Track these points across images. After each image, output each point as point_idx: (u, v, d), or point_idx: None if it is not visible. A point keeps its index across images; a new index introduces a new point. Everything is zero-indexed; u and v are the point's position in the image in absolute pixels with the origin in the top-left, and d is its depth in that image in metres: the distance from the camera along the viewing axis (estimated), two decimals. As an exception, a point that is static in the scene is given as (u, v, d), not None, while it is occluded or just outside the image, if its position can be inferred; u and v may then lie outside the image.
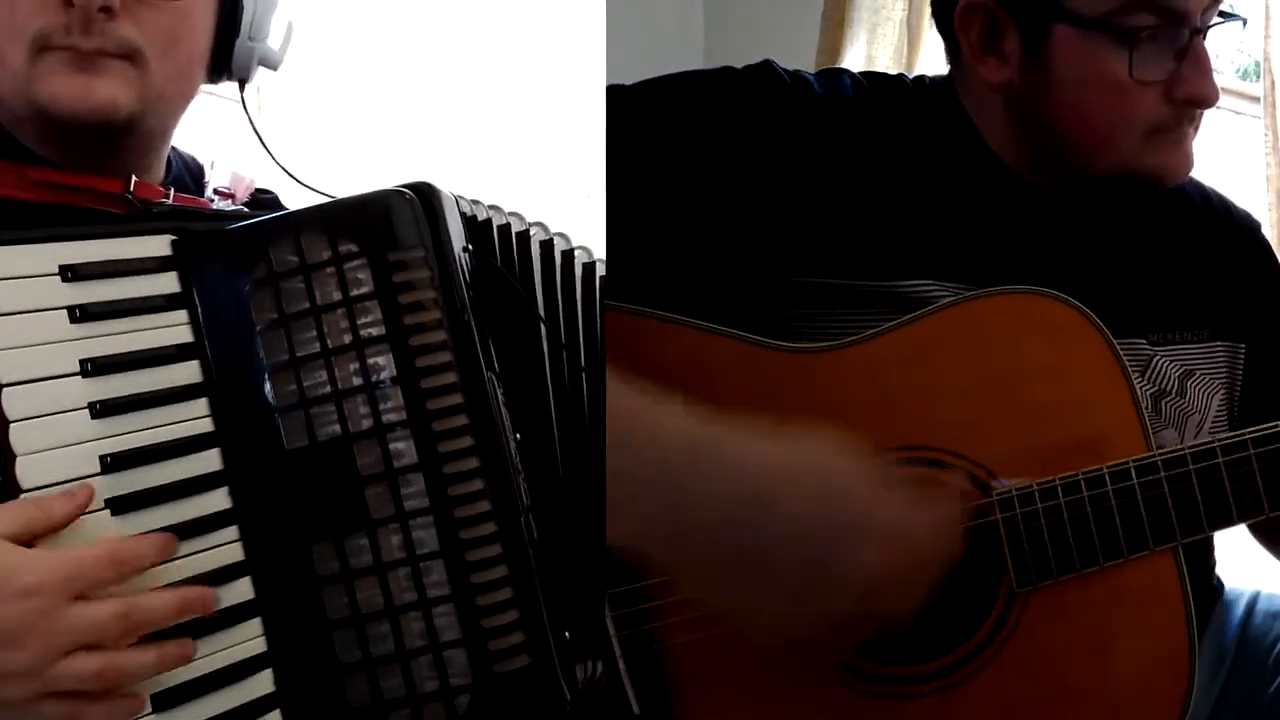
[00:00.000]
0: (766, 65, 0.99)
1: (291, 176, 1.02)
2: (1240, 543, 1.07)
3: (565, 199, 1.72)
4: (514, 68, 2.12)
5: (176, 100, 0.97)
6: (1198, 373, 1.00)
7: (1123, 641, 0.89)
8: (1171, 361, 0.99)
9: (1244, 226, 1.08)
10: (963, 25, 0.97)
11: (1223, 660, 1.06)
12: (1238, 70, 2.52)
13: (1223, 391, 1.01)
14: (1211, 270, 1.04)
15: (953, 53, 1.01)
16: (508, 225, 0.96)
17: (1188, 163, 0.97)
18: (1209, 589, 1.09)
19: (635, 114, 0.95)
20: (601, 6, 1.81)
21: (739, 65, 1.00)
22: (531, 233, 0.98)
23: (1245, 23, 0.96)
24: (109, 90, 0.89)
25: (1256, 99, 2.26)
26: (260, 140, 1.02)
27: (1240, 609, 1.10)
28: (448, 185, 0.90)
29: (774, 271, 0.94)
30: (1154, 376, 0.98)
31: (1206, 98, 0.93)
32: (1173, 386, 0.99)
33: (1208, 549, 1.07)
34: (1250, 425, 1.00)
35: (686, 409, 0.83)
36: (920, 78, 1.05)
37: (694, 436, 0.83)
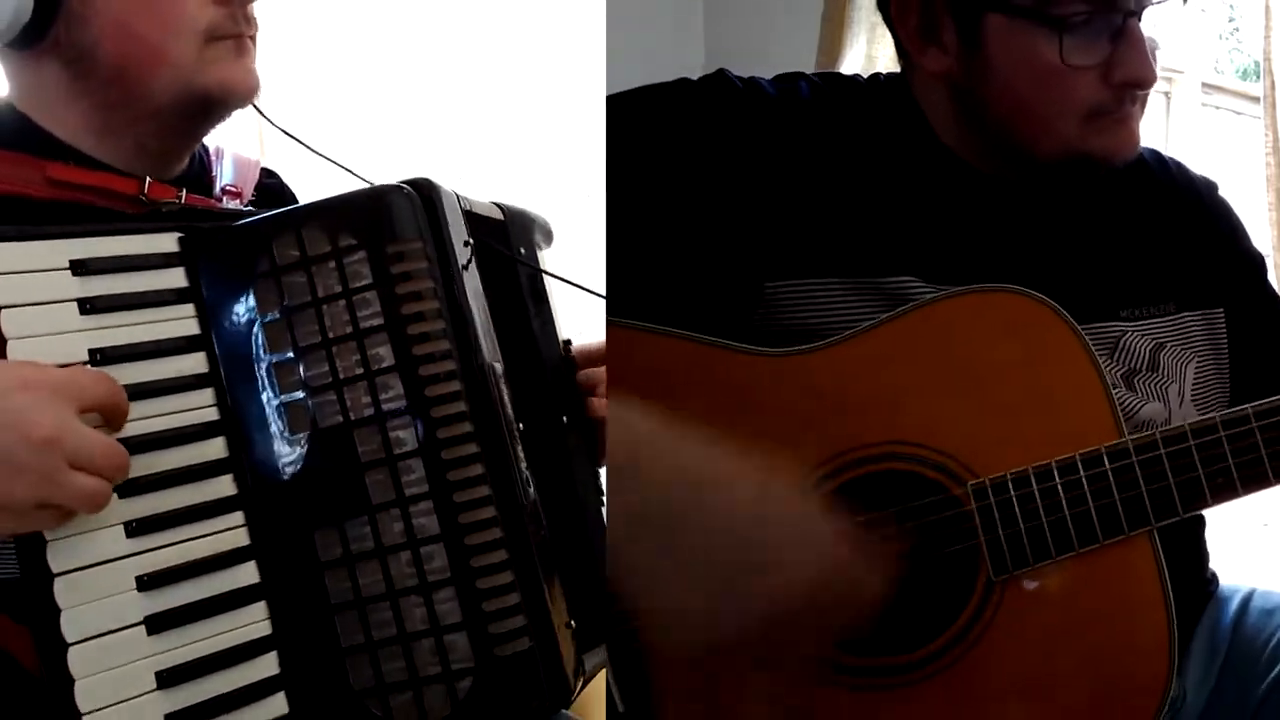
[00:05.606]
0: (720, 74, 1.00)
1: (300, 143, 1.05)
2: (1240, 543, 1.07)
3: (565, 198, 1.74)
4: (514, 68, 2.13)
5: None
6: (1168, 345, 1.00)
7: (1101, 626, 0.89)
8: (1142, 337, 1.00)
9: (1203, 190, 1.08)
10: (899, 16, 0.98)
11: (1215, 656, 1.06)
12: (1238, 70, 2.52)
13: (1197, 360, 1.01)
14: (1175, 240, 1.04)
15: (901, 47, 1.02)
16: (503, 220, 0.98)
17: (1133, 142, 0.97)
18: (1201, 583, 1.10)
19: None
20: (601, 6, 1.82)
21: (738, 67, 1.01)
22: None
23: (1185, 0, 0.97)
24: (258, 70, 0.97)
25: (1256, 99, 2.26)
26: (262, 113, 1.04)
27: (1234, 605, 1.10)
28: (449, 184, 0.92)
29: (746, 276, 0.95)
30: (1123, 355, 0.99)
31: (1143, 79, 0.94)
32: (1143, 363, 0.99)
33: (1199, 544, 1.08)
34: (1246, 388, 1.01)
35: (645, 411, 0.81)
36: (875, 75, 1.06)
37: (639, 443, 0.81)
